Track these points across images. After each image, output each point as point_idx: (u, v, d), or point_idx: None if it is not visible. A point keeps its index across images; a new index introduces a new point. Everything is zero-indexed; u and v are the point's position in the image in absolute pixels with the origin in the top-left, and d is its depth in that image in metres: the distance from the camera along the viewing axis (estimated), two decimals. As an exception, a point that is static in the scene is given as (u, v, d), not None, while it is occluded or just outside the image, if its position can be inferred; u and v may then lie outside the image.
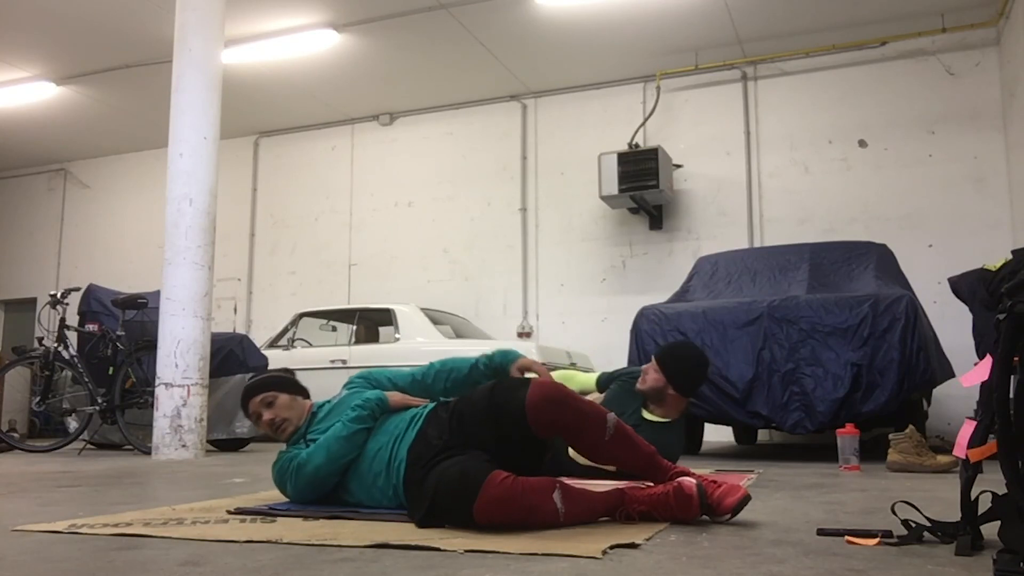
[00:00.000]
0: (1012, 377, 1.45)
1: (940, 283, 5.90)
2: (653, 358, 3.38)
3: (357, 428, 2.26)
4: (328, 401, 2.52)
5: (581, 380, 3.72)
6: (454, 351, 6.69)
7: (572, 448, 2.16)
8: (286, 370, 2.62)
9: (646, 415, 3.33)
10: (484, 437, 2.08)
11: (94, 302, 6.32)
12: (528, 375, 2.47)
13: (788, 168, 7.94)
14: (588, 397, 3.40)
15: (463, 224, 9.09)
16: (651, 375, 3.32)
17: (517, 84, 8.77)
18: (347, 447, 2.26)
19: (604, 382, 3.66)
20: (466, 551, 1.65)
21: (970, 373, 1.69)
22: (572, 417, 2.04)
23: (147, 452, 5.38)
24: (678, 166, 8.20)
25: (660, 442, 2.74)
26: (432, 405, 2.34)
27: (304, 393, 2.57)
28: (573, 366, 6.79)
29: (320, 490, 2.30)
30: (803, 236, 7.34)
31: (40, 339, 6.26)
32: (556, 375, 3.71)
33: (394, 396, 2.39)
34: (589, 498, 2.02)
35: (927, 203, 7.38)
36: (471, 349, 6.96)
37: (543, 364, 2.52)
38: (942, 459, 3.89)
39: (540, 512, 1.90)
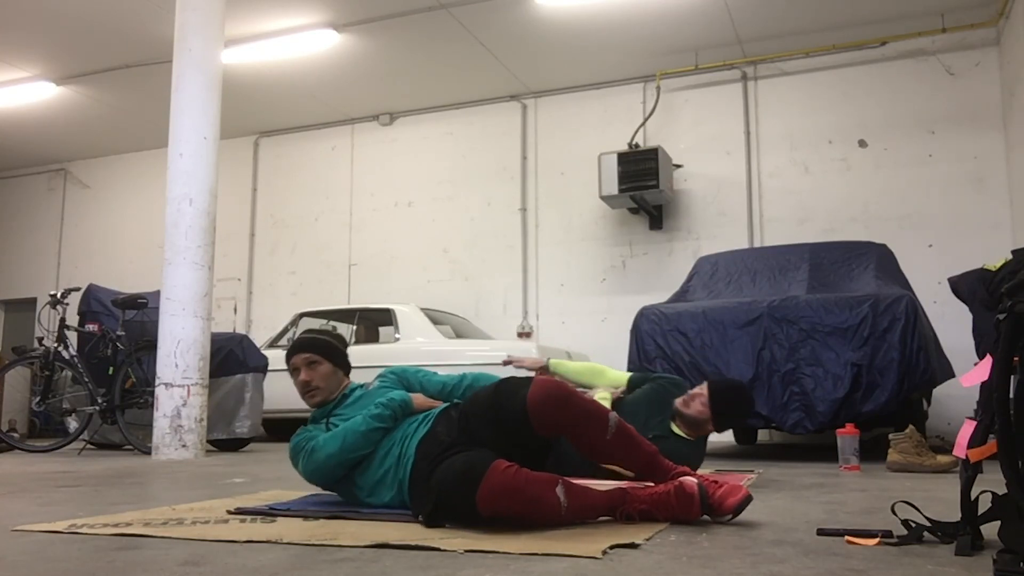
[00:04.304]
0: (1012, 377, 1.45)
1: (940, 283, 5.90)
2: (707, 389, 3.24)
3: (375, 426, 2.28)
4: (362, 386, 2.53)
5: (612, 376, 3.65)
6: (454, 351, 6.78)
7: (574, 447, 2.16)
8: (342, 340, 2.60)
9: (674, 428, 3.29)
10: (488, 435, 2.09)
11: (94, 302, 6.32)
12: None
13: (788, 168, 7.94)
14: (602, 393, 3.39)
15: (463, 224, 9.10)
16: (697, 405, 3.21)
17: (517, 84, 8.77)
18: (361, 442, 2.27)
19: (637, 381, 3.59)
20: (466, 551, 1.65)
21: (970, 373, 1.69)
22: (574, 415, 2.05)
23: (147, 452, 5.39)
24: (678, 166, 8.20)
25: (682, 455, 2.71)
26: (444, 405, 2.35)
27: (347, 370, 2.56)
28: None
29: (326, 477, 2.33)
30: (803, 236, 7.34)
31: (40, 339, 6.26)
32: (585, 367, 3.67)
33: (418, 399, 2.40)
34: (591, 495, 2.03)
35: (927, 203, 7.38)
36: (471, 349, 6.99)
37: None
38: (942, 459, 3.89)
39: (542, 504, 1.90)
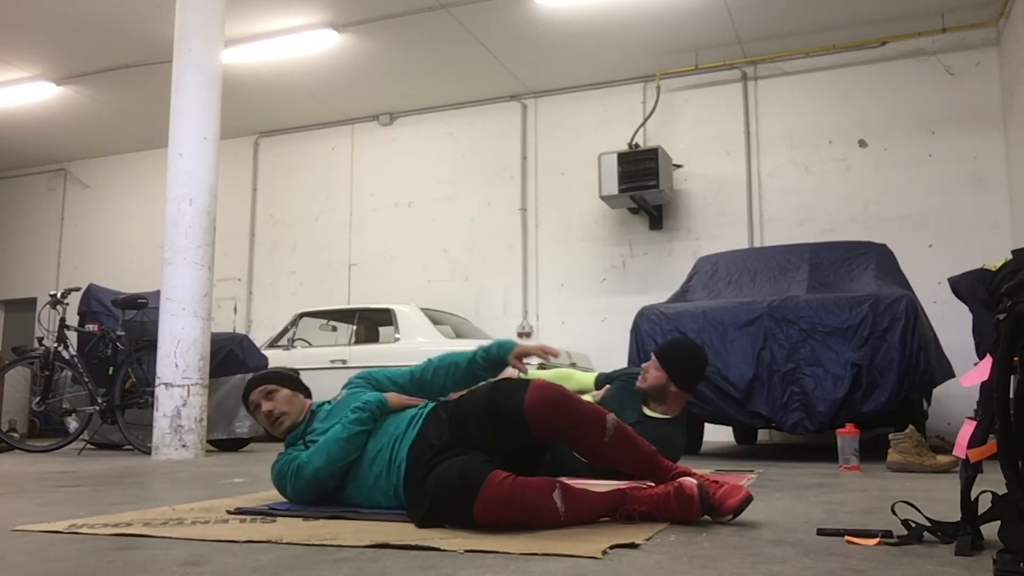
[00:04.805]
0: (1012, 377, 1.45)
1: (940, 283, 5.90)
2: (653, 356, 3.39)
3: (357, 430, 2.26)
4: (328, 402, 2.53)
5: (579, 379, 3.72)
6: (454, 350, 6.77)
7: (573, 449, 2.16)
8: (293, 371, 2.64)
9: (647, 412, 3.33)
10: (483, 438, 2.08)
11: (94, 302, 6.32)
12: (527, 361, 2.50)
13: (788, 168, 7.94)
14: (586, 396, 3.41)
15: (463, 224, 9.09)
16: (652, 373, 3.33)
17: (517, 84, 8.77)
18: (347, 448, 2.26)
19: (602, 381, 3.66)
20: (466, 551, 1.65)
21: (970, 373, 1.69)
22: (571, 419, 2.04)
23: (147, 452, 5.39)
24: (678, 166, 8.20)
25: (663, 438, 2.75)
26: (432, 405, 2.34)
27: (306, 392, 2.59)
28: (573, 366, 6.79)
29: (320, 492, 2.30)
30: (803, 236, 7.34)
31: (40, 339, 6.26)
32: (553, 373, 3.72)
33: (392, 397, 2.39)
34: (589, 498, 2.02)
35: (927, 203, 7.38)
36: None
37: (539, 346, 2.53)
38: (942, 459, 3.88)
39: (540, 512, 1.90)
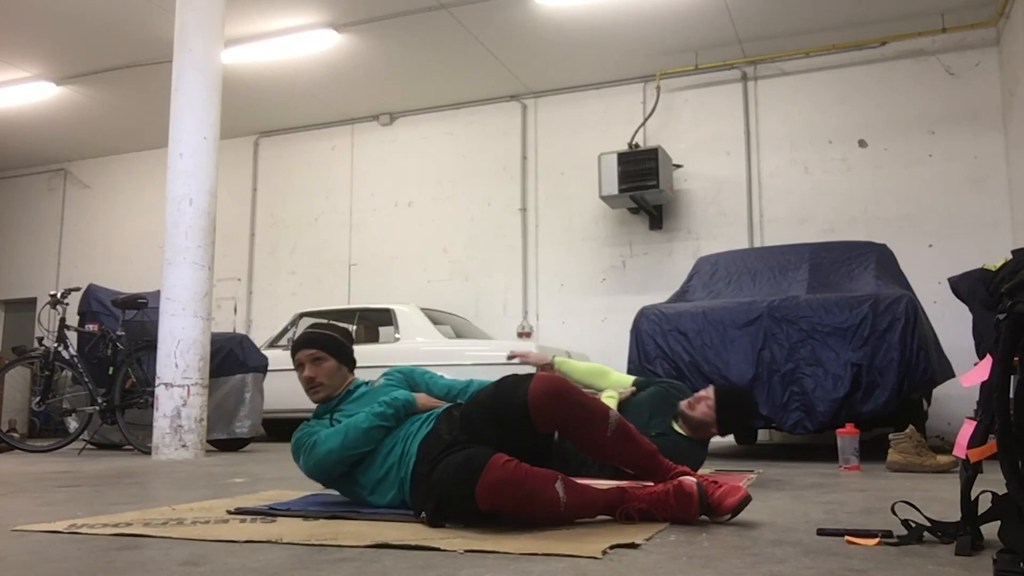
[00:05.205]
0: (1012, 377, 1.45)
1: (940, 283, 5.90)
2: (713, 391, 3.24)
3: (378, 424, 2.28)
4: (367, 383, 2.54)
5: (616, 378, 3.66)
6: (454, 351, 6.78)
7: (574, 443, 2.16)
8: (348, 336, 2.60)
9: (676, 427, 3.30)
10: (489, 433, 2.09)
11: (94, 302, 6.32)
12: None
13: (788, 168, 7.94)
14: (610, 393, 3.40)
15: (463, 224, 9.10)
16: (703, 408, 3.21)
17: (517, 84, 8.77)
18: (362, 440, 2.27)
19: (640, 385, 3.60)
20: (466, 551, 1.65)
21: (970, 373, 1.69)
22: (574, 411, 2.05)
23: (147, 452, 5.39)
24: (678, 166, 8.20)
25: (683, 454, 2.73)
26: (446, 405, 2.36)
27: (352, 367, 2.58)
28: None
29: (326, 473, 2.33)
30: (803, 236, 7.34)
31: (40, 339, 6.26)
32: (590, 367, 3.68)
33: (422, 399, 2.41)
34: (590, 493, 2.03)
35: (927, 203, 7.38)
36: (471, 349, 6.99)
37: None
38: (942, 459, 3.89)
39: (542, 498, 1.90)
